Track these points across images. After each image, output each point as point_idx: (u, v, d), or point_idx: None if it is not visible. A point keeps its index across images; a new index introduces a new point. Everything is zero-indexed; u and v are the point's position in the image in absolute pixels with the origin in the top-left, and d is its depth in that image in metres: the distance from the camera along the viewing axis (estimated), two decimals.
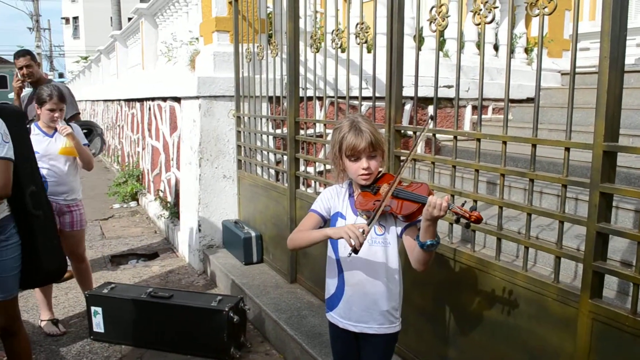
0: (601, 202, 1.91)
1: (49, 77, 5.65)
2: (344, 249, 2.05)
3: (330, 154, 2.17)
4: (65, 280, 4.80)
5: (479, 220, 1.80)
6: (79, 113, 5.08)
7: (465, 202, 1.92)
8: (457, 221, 1.86)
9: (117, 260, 5.70)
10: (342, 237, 1.92)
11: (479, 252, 2.54)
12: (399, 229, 2.11)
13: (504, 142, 2.39)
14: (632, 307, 1.83)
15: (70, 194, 3.96)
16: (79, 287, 4.29)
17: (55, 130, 3.84)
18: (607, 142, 1.88)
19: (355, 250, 1.89)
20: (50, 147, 3.80)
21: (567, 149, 2.11)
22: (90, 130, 4.72)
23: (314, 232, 2.14)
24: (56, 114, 3.77)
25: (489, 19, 2.40)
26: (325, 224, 2.25)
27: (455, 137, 2.68)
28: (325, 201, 2.23)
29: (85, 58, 22.13)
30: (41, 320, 3.96)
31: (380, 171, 2.14)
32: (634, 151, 1.86)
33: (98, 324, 3.75)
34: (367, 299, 2.12)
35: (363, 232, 1.88)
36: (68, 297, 4.58)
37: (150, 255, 5.87)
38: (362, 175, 2.06)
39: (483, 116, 5.73)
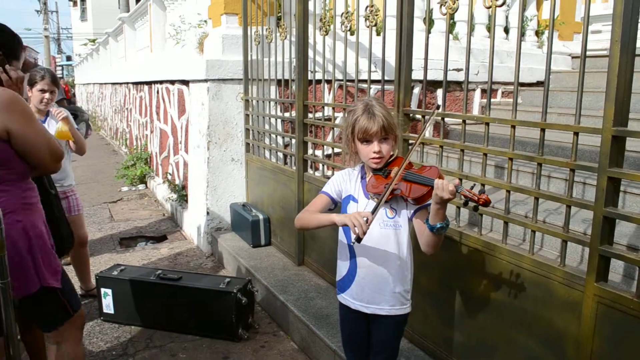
0: (609, 186, 1.92)
1: (36, 62, 5.67)
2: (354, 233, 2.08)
3: (343, 136, 2.18)
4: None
5: (487, 203, 1.81)
6: (65, 99, 5.10)
7: (474, 185, 1.93)
8: (466, 204, 1.87)
9: (126, 242, 5.76)
10: (347, 225, 1.95)
11: (486, 235, 2.55)
12: (410, 212, 2.13)
13: (513, 126, 2.38)
14: (637, 290, 1.84)
15: (66, 180, 3.96)
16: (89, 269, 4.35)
17: (47, 115, 3.79)
18: (616, 127, 1.88)
19: (359, 239, 1.92)
20: None
21: (576, 134, 2.11)
22: (76, 115, 4.74)
23: (321, 216, 2.17)
24: (47, 95, 3.69)
25: (499, 2, 2.39)
26: (335, 207, 2.27)
27: (463, 121, 2.67)
28: (337, 184, 2.25)
29: (93, 41, 22.07)
30: None
31: (392, 155, 2.15)
32: None
33: (108, 305, 3.81)
34: (380, 280, 2.14)
35: (367, 221, 1.91)
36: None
37: (158, 237, 5.92)
38: (373, 158, 2.08)
39: (492, 100, 5.70)
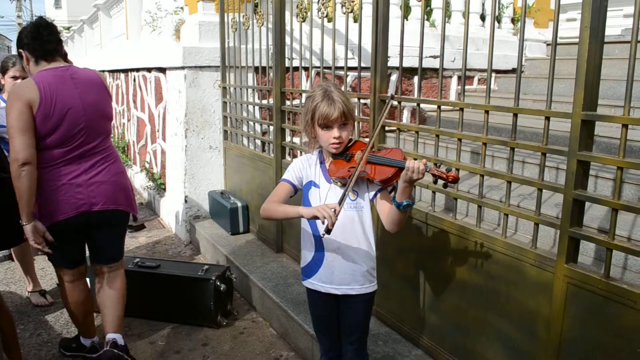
0: (578, 169, 1.96)
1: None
2: (321, 224, 2.09)
3: (303, 122, 2.21)
4: None
5: (456, 179, 1.89)
6: None
7: (441, 164, 1.98)
8: (436, 182, 1.95)
9: None
10: (316, 217, 1.96)
11: (461, 220, 2.59)
12: (371, 193, 2.18)
13: (486, 112, 2.42)
14: (605, 271, 1.89)
15: None
16: None
17: None
18: (586, 111, 1.92)
19: (328, 230, 1.94)
20: None
21: (547, 118, 2.15)
22: None
23: (288, 208, 2.16)
24: (19, 82, 3.57)
25: None
26: (296, 193, 2.29)
27: (438, 107, 2.70)
28: (297, 171, 2.26)
29: (68, 28, 21.68)
30: (28, 292, 3.98)
31: (351, 139, 2.19)
32: (611, 120, 1.90)
33: None
34: (348, 261, 2.18)
35: (335, 212, 1.92)
36: None
37: (136, 226, 5.87)
38: (333, 144, 2.11)
39: (469, 87, 5.76)
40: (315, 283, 2.26)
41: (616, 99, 4.37)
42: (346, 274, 2.19)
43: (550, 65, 2.11)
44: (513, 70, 5.97)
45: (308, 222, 2.22)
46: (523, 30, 2.27)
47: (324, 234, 1.98)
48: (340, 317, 2.30)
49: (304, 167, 2.26)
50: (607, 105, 3.89)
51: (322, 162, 2.23)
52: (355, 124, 2.43)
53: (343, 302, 2.26)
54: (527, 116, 2.33)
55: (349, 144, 2.17)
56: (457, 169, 2.50)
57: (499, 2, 6.05)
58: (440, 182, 1.92)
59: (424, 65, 2.77)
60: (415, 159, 1.93)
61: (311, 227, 2.22)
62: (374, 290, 2.27)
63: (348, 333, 2.29)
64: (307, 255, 2.27)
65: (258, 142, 4.86)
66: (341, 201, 1.99)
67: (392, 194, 2.09)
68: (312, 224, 2.20)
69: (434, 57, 5.22)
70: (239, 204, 4.78)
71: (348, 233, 2.16)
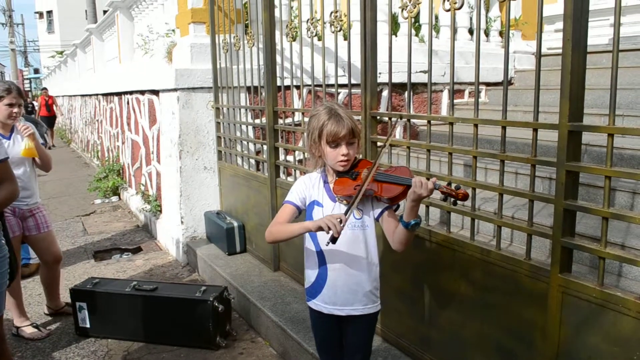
0: (567, 180, 1.98)
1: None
2: (324, 238, 2.08)
3: (308, 141, 2.20)
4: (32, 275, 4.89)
5: (466, 196, 1.90)
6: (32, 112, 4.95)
7: (450, 182, 1.99)
8: (445, 199, 1.95)
9: (101, 255, 5.70)
10: (322, 228, 1.94)
11: (456, 233, 2.60)
12: (376, 212, 2.17)
13: (475, 125, 2.45)
14: (599, 279, 1.91)
15: (32, 198, 3.77)
16: (63, 283, 4.32)
17: (12, 131, 3.62)
18: (572, 122, 1.95)
19: (334, 239, 1.93)
20: (10, 151, 3.40)
21: (535, 130, 2.18)
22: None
23: (293, 226, 2.15)
24: (15, 109, 3.53)
25: (458, 5, 2.45)
26: (299, 214, 2.29)
27: (429, 122, 2.73)
28: (300, 192, 2.25)
29: (61, 53, 21.82)
30: (18, 328, 3.80)
31: (357, 157, 2.20)
32: (597, 130, 1.92)
33: (83, 319, 3.76)
34: (352, 281, 2.17)
35: (341, 222, 1.91)
36: None
37: (133, 249, 5.87)
38: (341, 161, 2.11)
39: (460, 100, 5.80)
40: (319, 304, 2.24)
41: (605, 107, 4.41)
42: (349, 294, 2.18)
43: (536, 77, 2.14)
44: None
45: (311, 239, 2.21)
46: (508, 43, 2.32)
47: (328, 243, 1.95)
48: (343, 337, 2.29)
49: (306, 187, 2.25)
50: (596, 115, 3.93)
51: (325, 182, 2.23)
52: None
53: (346, 323, 2.25)
54: (518, 128, 2.36)
55: (355, 162, 2.18)
56: (450, 182, 2.52)
57: (486, 16, 6.12)
58: (450, 199, 1.92)
59: (415, 80, 2.81)
60: (428, 179, 1.95)
61: (314, 245, 2.21)
62: (377, 310, 2.26)
63: (351, 353, 2.29)
64: (310, 275, 2.26)
65: (252, 161, 4.88)
66: (347, 212, 1.98)
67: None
68: (315, 241, 2.19)
69: (424, 72, 5.26)
70: (235, 224, 4.78)
71: (352, 252, 2.15)
